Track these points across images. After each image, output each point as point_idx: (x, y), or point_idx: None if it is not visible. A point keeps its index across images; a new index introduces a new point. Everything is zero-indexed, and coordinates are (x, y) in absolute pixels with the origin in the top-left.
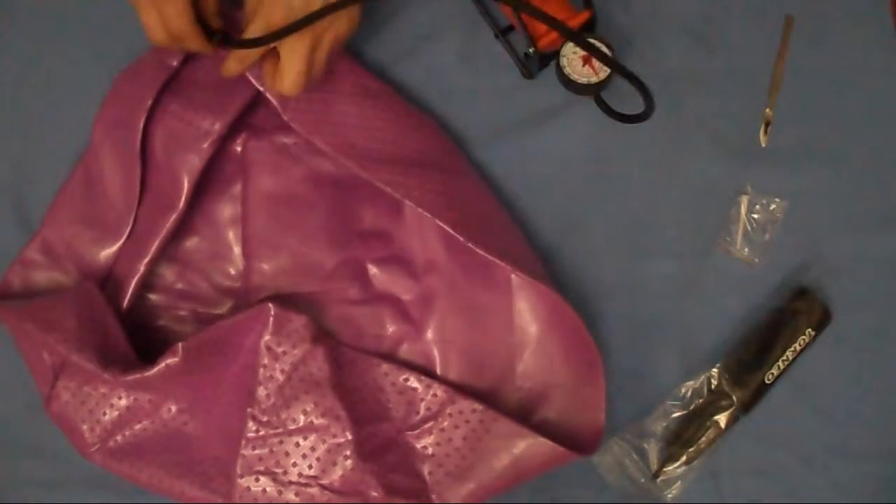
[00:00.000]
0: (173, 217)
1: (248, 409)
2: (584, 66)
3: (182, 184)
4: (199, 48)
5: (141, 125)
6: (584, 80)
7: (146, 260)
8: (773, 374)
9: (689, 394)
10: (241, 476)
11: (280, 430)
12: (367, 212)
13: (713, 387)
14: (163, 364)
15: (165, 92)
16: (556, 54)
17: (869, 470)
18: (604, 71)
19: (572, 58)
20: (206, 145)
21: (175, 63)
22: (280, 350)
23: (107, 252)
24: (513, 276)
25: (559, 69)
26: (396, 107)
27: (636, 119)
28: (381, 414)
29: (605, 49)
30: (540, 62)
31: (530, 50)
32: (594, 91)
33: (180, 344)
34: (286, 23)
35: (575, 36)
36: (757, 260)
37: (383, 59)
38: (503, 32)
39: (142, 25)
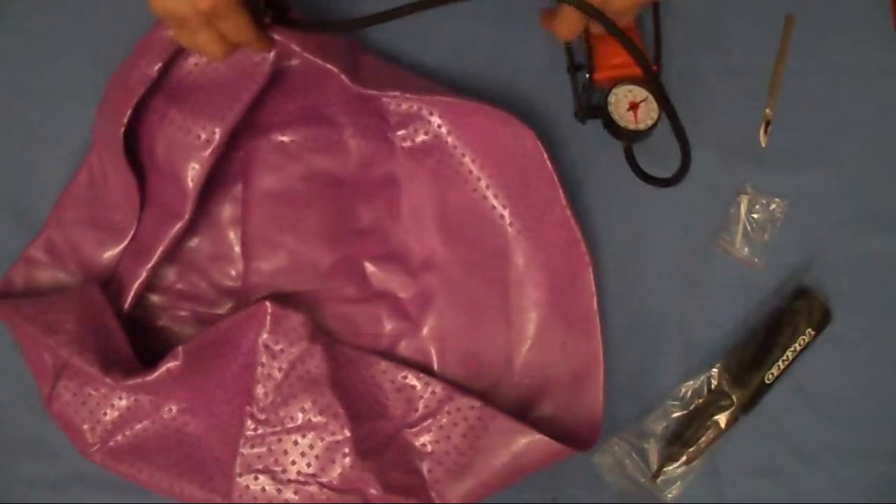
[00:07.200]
0: (179, 225)
1: (247, 408)
2: (628, 110)
3: (187, 192)
4: (263, 49)
5: (122, 134)
6: (622, 124)
7: (150, 265)
8: (773, 374)
9: (689, 394)
10: (240, 475)
11: (278, 429)
12: (364, 210)
13: (713, 387)
14: (164, 368)
15: (163, 96)
16: (605, 103)
17: (869, 470)
18: (644, 124)
19: (622, 99)
20: (206, 153)
21: (153, 72)
22: (277, 348)
23: (110, 253)
24: (511, 271)
25: (605, 104)
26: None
27: (664, 183)
28: (379, 411)
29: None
30: (590, 112)
31: (587, 76)
32: (629, 139)
33: (180, 347)
34: None
35: (653, 77)
36: (757, 260)
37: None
38: (575, 69)
39: (191, 47)
